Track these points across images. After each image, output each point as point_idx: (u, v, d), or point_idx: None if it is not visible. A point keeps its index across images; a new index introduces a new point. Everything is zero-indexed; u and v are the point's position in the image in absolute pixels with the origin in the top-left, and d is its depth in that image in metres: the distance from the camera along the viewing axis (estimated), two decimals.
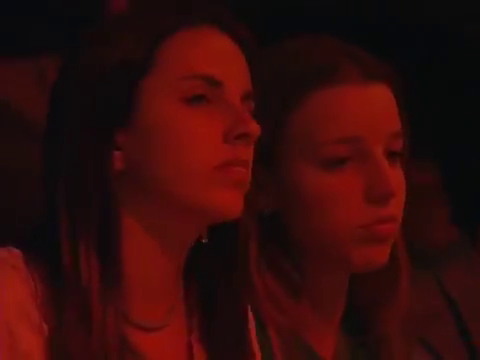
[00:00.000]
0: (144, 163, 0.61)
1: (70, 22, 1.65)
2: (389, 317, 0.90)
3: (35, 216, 0.67)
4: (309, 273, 0.86)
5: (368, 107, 0.84)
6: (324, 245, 0.84)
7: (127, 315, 0.61)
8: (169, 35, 0.63)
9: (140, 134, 0.62)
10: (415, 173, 1.56)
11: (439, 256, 1.92)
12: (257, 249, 0.81)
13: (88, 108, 0.60)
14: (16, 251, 0.59)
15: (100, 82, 0.61)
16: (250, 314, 0.73)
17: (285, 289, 0.84)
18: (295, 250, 0.86)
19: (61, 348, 0.56)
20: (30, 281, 0.57)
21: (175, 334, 0.67)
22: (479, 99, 2.11)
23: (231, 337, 0.68)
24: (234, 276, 0.68)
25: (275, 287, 0.84)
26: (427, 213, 2.17)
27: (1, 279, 0.56)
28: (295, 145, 0.85)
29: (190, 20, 0.64)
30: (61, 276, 0.58)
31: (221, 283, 0.68)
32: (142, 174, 0.61)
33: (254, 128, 0.62)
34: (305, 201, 0.83)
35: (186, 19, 0.64)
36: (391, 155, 0.85)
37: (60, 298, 0.57)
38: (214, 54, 0.64)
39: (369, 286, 0.90)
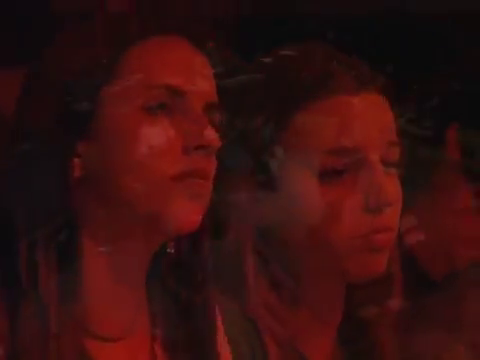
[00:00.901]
0: (102, 171, 0.63)
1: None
2: (382, 323, 0.90)
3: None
4: (306, 282, 0.86)
5: (363, 116, 0.85)
6: (321, 254, 0.84)
7: (87, 326, 0.63)
8: (133, 44, 0.65)
9: (100, 141, 0.64)
10: None
11: None
12: (254, 259, 0.81)
13: (50, 113, 0.62)
14: None
15: (63, 86, 0.63)
16: (217, 316, 0.74)
17: (281, 298, 0.84)
18: (292, 259, 0.85)
19: None
20: None
21: (138, 343, 0.69)
22: None
23: (196, 343, 0.71)
24: (198, 281, 0.72)
25: (271, 296, 0.85)
26: None
27: None
28: (291, 156, 0.84)
29: (155, 30, 0.67)
30: (16, 290, 0.59)
31: (184, 290, 0.71)
32: (100, 182, 0.63)
33: (213, 139, 0.64)
34: (303, 212, 0.83)
35: (151, 29, 0.67)
36: (388, 164, 0.85)
37: (14, 313, 0.58)
38: (177, 64, 0.67)
39: (362, 293, 0.90)
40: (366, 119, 0.86)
